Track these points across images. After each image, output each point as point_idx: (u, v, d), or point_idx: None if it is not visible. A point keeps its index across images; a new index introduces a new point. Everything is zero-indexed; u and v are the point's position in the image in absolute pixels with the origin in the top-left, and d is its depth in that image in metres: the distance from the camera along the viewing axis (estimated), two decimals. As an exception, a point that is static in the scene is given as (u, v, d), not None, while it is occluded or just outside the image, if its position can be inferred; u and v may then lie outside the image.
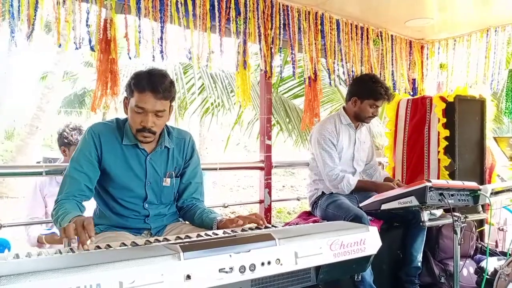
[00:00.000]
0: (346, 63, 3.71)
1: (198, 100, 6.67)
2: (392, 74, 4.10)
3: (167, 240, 1.57)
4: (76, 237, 1.49)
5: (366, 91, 3.04)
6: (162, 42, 2.68)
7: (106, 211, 2.06)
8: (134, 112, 1.93)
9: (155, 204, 2.10)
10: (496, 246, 3.73)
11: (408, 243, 2.98)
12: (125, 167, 2.02)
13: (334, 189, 3.02)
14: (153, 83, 1.89)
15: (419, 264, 2.99)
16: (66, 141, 3.02)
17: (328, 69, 3.64)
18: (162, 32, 2.67)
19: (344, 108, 3.20)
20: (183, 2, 2.72)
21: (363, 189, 3.04)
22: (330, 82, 3.71)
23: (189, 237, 1.58)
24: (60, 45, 2.41)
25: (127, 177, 2.02)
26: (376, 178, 3.35)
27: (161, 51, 2.68)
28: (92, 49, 2.49)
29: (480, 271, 3.01)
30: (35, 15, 2.27)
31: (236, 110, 6.77)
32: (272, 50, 3.25)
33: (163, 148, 2.10)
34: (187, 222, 2.20)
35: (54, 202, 1.91)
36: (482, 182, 3.67)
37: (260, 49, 3.19)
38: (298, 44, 3.39)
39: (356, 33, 3.77)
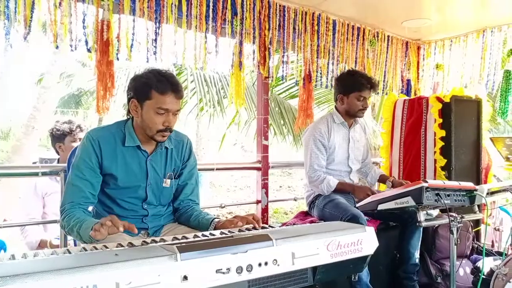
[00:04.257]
0: (340, 63, 3.72)
1: (194, 100, 6.66)
2: (385, 74, 4.12)
3: (164, 240, 1.57)
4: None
5: (348, 86, 3.07)
6: (156, 43, 2.69)
7: (103, 213, 2.06)
8: (155, 114, 1.94)
9: (153, 204, 2.11)
10: (492, 246, 3.74)
11: (405, 241, 2.99)
12: (126, 169, 2.02)
13: (315, 189, 3.06)
14: (173, 84, 1.94)
15: (417, 261, 2.99)
16: (59, 133, 3.00)
17: (321, 70, 3.65)
18: (156, 33, 2.68)
19: (336, 107, 3.21)
20: (177, 3, 2.72)
21: (342, 191, 3.04)
22: (321, 83, 3.70)
23: (186, 238, 1.58)
24: (57, 47, 2.40)
25: (129, 179, 2.03)
26: (371, 176, 3.36)
27: (155, 52, 2.68)
28: (89, 50, 2.49)
29: (476, 271, 3.02)
30: (31, 16, 2.27)
31: (232, 110, 6.76)
32: (270, 51, 3.26)
33: (163, 149, 2.11)
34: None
35: (60, 211, 1.93)
36: (478, 182, 3.68)
37: (254, 50, 3.20)
38: (293, 45, 3.40)
39: (353, 34, 3.78)
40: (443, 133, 3.56)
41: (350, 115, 3.13)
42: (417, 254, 2.99)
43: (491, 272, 2.57)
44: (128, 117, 2.09)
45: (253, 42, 3.16)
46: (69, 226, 1.83)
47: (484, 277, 2.55)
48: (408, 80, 4.41)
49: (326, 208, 2.95)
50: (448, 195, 2.32)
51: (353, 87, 3.03)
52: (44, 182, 2.97)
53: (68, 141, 3.01)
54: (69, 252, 1.42)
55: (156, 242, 1.53)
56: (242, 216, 1.89)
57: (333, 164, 3.11)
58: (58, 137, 3.02)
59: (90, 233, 1.64)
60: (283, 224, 2.97)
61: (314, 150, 3.03)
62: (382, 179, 3.30)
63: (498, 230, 3.74)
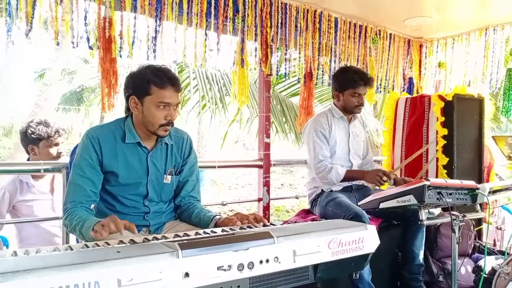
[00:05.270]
0: (341, 61, 3.72)
1: (195, 97, 6.67)
2: (387, 72, 4.12)
3: (166, 238, 1.57)
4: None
5: (342, 83, 3.10)
6: (156, 40, 2.68)
7: (105, 210, 2.06)
8: (156, 108, 1.96)
9: (155, 201, 2.12)
10: (494, 245, 3.73)
11: (408, 241, 2.98)
12: (127, 166, 2.02)
13: (323, 180, 3.02)
14: (171, 78, 1.96)
15: (422, 261, 2.99)
16: (34, 136, 2.78)
17: (323, 68, 3.65)
18: (157, 31, 2.67)
19: (334, 103, 3.23)
20: (178, 1, 2.72)
21: (351, 178, 3.05)
22: (322, 81, 3.70)
23: (188, 235, 1.58)
24: (58, 44, 2.41)
25: (129, 175, 2.03)
26: None
27: (154, 50, 2.68)
28: (90, 48, 2.48)
29: (478, 270, 3.02)
30: (33, 13, 2.27)
31: (234, 107, 6.76)
32: (272, 48, 3.25)
33: (163, 145, 2.12)
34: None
35: (62, 210, 1.95)
36: (480, 181, 3.67)
37: (256, 48, 3.20)
38: (294, 42, 3.39)
39: (355, 32, 3.77)
40: (445, 131, 3.55)
41: (347, 111, 3.16)
42: (421, 255, 2.98)
43: (493, 271, 2.57)
44: (127, 114, 2.10)
45: (255, 40, 3.16)
46: (71, 225, 1.84)
47: (486, 276, 2.55)
48: (410, 78, 4.40)
49: (328, 206, 2.95)
50: (450, 194, 2.31)
51: (347, 84, 3.06)
52: (15, 190, 2.79)
53: (43, 145, 2.81)
54: (71, 249, 1.42)
55: (157, 239, 1.52)
56: (243, 214, 1.89)
57: (334, 158, 3.10)
58: (32, 140, 2.80)
59: (91, 234, 1.66)
60: (285, 222, 2.97)
61: (317, 141, 3.03)
62: None
63: (500, 229, 3.73)
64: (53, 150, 2.85)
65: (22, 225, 2.81)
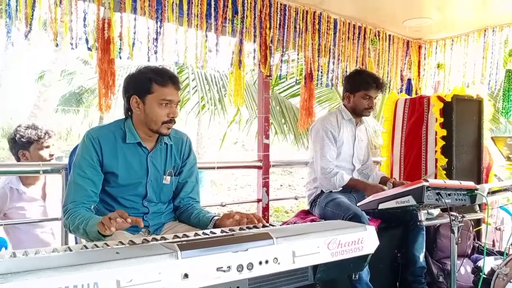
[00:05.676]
0: (341, 62, 3.73)
1: (195, 98, 6.66)
2: (387, 73, 4.12)
3: (165, 239, 1.57)
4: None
5: (355, 84, 3.12)
6: (157, 42, 2.69)
7: (104, 211, 2.05)
8: (159, 106, 1.98)
9: (154, 202, 2.12)
10: (493, 245, 3.74)
11: (409, 245, 2.98)
12: (127, 166, 2.03)
13: (325, 182, 3.02)
14: (172, 76, 2.00)
15: (423, 263, 2.99)
16: (24, 140, 2.72)
17: (322, 69, 3.65)
18: (157, 32, 2.67)
19: (343, 104, 3.23)
20: (178, 2, 2.72)
21: (353, 187, 3.05)
22: (321, 82, 3.71)
23: (187, 236, 1.58)
24: (57, 45, 2.41)
25: (129, 176, 2.04)
26: (373, 178, 3.35)
27: (156, 51, 2.69)
28: (89, 49, 2.49)
29: (477, 270, 3.02)
30: (32, 15, 2.27)
31: (233, 108, 6.75)
32: (271, 50, 3.26)
33: (163, 145, 2.13)
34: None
35: (63, 210, 1.95)
36: (479, 181, 3.67)
37: (255, 49, 3.20)
38: (293, 43, 3.40)
39: (354, 33, 3.78)
40: (444, 132, 3.55)
41: (357, 113, 3.16)
42: (422, 257, 2.98)
43: (492, 271, 2.57)
44: (127, 116, 2.10)
45: (254, 41, 3.17)
46: (74, 225, 1.84)
47: (485, 276, 2.55)
48: (409, 79, 4.41)
49: (328, 207, 2.95)
50: (449, 195, 2.31)
51: (359, 85, 3.09)
52: (5, 197, 2.74)
53: (35, 148, 2.76)
54: (70, 250, 1.41)
55: (157, 240, 1.52)
56: (243, 213, 1.89)
57: (338, 159, 3.10)
58: (23, 145, 2.74)
59: (98, 227, 1.66)
60: (284, 223, 2.97)
61: (326, 141, 3.03)
62: (383, 181, 3.29)
63: (499, 229, 3.74)
64: (45, 153, 2.81)
65: (14, 232, 2.78)
